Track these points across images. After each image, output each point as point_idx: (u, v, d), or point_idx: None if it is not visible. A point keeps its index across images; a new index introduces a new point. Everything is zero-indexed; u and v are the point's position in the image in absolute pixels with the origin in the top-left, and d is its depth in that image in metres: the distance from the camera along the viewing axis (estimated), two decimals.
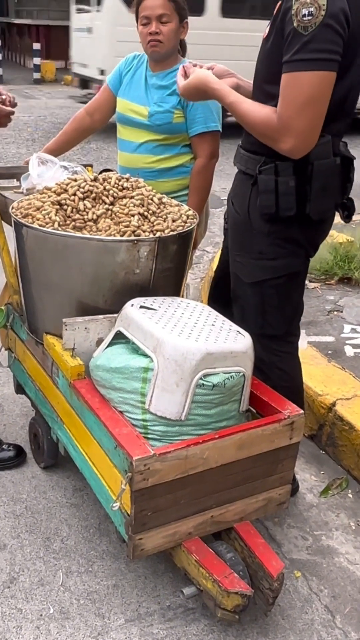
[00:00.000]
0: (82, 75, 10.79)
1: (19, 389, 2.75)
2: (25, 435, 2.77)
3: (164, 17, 2.58)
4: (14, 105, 2.49)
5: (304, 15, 1.78)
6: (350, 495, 2.59)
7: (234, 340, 1.94)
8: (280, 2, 1.91)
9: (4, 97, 2.44)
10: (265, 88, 2.02)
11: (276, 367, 2.28)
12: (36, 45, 17.11)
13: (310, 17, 1.77)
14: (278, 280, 2.18)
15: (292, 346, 2.36)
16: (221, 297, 2.46)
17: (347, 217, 2.16)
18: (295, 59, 1.82)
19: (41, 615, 2.00)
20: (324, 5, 1.77)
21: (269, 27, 1.98)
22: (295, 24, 1.80)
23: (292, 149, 1.92)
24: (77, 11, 10.72)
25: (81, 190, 2.20)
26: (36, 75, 16.85)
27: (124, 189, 2.26)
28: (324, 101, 1.87)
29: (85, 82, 10.79)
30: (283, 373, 2.31)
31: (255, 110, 1.97)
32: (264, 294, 2.20)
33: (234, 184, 2.28)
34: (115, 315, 2.08)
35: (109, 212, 2.19)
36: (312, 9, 1.77)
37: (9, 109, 2.46)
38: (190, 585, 1.93)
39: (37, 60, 16.89)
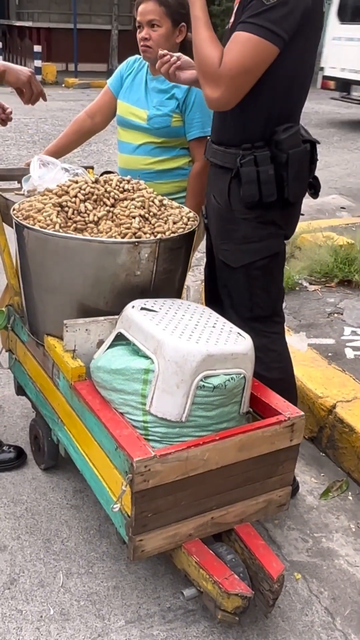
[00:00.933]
0: (343, 79, 12.07)
1: (20, 390, 2.76)
2: (25, 437, 2.77)
3: (154, 22, 2.61)
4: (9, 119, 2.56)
5: None
6: (350, 498, 2.60)
7: (235, 342, 1.95)
8: None
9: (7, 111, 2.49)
10: None
11: (268, 348, 2.35)
12: (37, 48, 17.14)
13: None
14: (263, 261, 2.28)
15: (279, 327, 2.46)
16: (213, 295, 2.51)
17: (314, 194, 2.31)
18: (251, 22, 1.95)
19: (41, 616, 2.00)
20: None
21: (232, 15, 2.10)
22: None
23: (216, 98, 2.03)
24: (341, 22, 12.05)
25: (82, 192, 2.21)
26: (37, 78, 16.85)
27: (125, 191, 2.27)
28: (259, 69, 1.99)
29: (345, 85, 12.12)
30: (276, 354, 2.40)
31: (208, 45, 2.04)
32: (250, 276, 2.30)
33: (209, 178, 2.36)
34: (116, 316, 2.08)
35: (110, 214, 2.19)
36: None
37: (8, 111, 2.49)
38: (190, 587, 1.93)
39: (38, 63, 16.91)
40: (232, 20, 2.11)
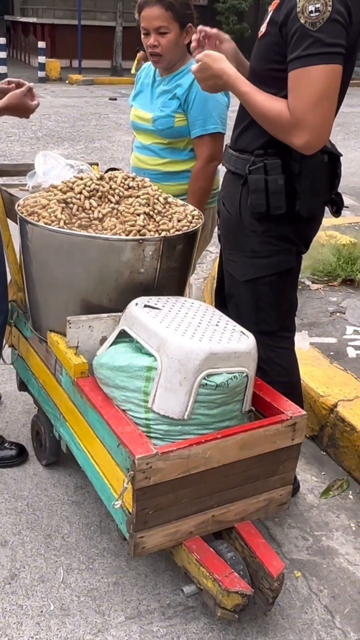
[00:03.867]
0: None
1: (22, 386, 2.76)
2: (27, 433, 2.78)
3: (162, 28, 2.55)
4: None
5: (311, 12, 1.81)
6: (350, 497, 2.60)
7: (238, 340, 1.95)
8: (277, 1, 1.94)
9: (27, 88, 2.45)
10: (259, 87, 2.01)
11: (274, 362, 2.30)
12: (41, 44, 17.13)
13: (317, 14, 1.80)
14: (271, 277, 2.20)
15: (288, 341, 2.38)
16: (221, 296, 2.48)
17: (336, 212, 2.20)
18: (306, 54, 1.84)
19: (41, 611, 2.01)
20: (329, 1, 1.80)
21: (265, 25, 1.99)
22: (302, 21, 1.82)
23: (305, 144, 1.92)
24: None
25: (87, 188, 2.21)
26: (41, 74, 16.87)
27: (129, 188, 2.27)
28: (335, 94, 1.89)
29: None
30: (282, 369, 2.34)
31: (269, 103, 1.96)
32: (258, 292, 2.23)
33: (223, 184, 2.30)
34: (120, 314, 2.09)
35: (115, 211, 2.19)
36: (318, 5, 1.80)
37: (36, 102, 2.46)
38: (190, 584, 1.93)
39: (42, 59, 16.92)
40: (262, 29, 2.00)
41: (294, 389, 2.38)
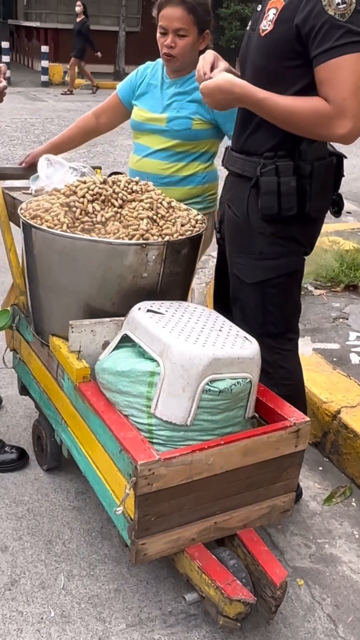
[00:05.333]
0: None
1: (23, 390, 2.75)
2: (28, 437, 2.76)
3: (181, 31, 2.53)
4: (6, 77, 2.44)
5: (338, 4, 1.85)
6: (353, 504, 2.58)
7: (241, 346, 1.94)
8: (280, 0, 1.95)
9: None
10: (261, 86, 1.98)
11: (279, 365, 2.30)
12: (44, 48, 17.17)
13: (345, 5, 1.85)
14: (279, 279, 2.21)
15: (292, 343, 2.39)
16: (221, 299, 2.48)
17: (336, 212, 2.22)
18: (339, 44, 1.86)
19: (42, 618, 1.99)
20: None
21: (269, 23, 1.99)
22: (331, 13, 1.85)
23: (349, 133, 1.91)
24: None
25: (90, 192, 2.20)
26: (44, 78, 16.90)
27: (133, 192, 2.26)
28: None
29: None
30: (286, 371, 2.34)
31: (299, 102, 1.94)
32: (265, 294, 2.24)
33: (227, 187, 2.30)
34: (122, 318, 2.07)
35: (118, 215, 2.18)
36: None
37: (3, 83, 2.39)
38: (192, 592, 1.92)
39: (45, 63, 16.94)
40: (268, 27, 1.99)
41: (298, 392, 2.39)
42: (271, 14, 1.99)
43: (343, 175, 2.16)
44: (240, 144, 2.18)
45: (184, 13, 2.51)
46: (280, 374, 2.29)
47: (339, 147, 2.12)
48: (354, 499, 2.61)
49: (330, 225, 5.72)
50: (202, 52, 2.62)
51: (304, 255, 2.27)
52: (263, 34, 2.02)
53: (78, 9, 15.47)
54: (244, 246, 2.22)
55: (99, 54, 15.76)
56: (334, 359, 3.27)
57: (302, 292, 4.08)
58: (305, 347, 3.34)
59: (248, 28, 2.19)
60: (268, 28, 2.00)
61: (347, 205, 6.58)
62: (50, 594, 2.08)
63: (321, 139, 2.00)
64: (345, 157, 2.15)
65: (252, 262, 2.21)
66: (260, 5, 2.11)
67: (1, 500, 2.45)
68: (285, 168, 2.03)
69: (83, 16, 15.47)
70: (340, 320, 3.77)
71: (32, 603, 2.04)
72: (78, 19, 15.50)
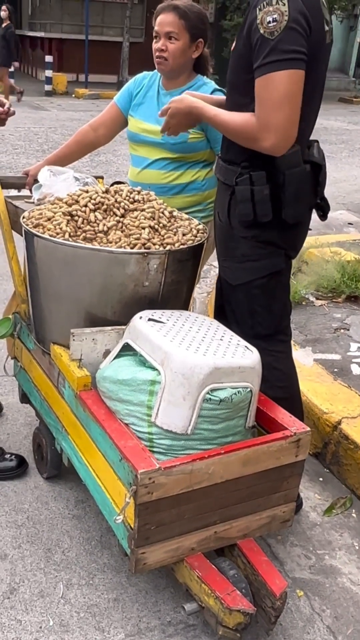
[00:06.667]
0: None
1: (24, 398, 2.75)
2: (28, 445, 2.76)
3: (172, 34, 2.58)
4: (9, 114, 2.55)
5: (269, 22, 1.92)
6: (354, 515, 2.57)
7: (242, 355, 1.94)
8: (245, 16, 2.06)
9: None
10: (235, 98, 2.15)
11: (272, 367, 2.31)
12: (48, 58, 17.27)
13: (275, 23, 1.92)
14: (262, 280, 2.27)
15: (285, 345, 2.44)
16: (221, 310, 2.50)
17: (322, 217, 2.28)
18: (266, 62, 1.95)
19: (40, 627, 1.98)
20: (285, 11, 1.91)
21: (236, 40, 2.12)
22: (262, 31, 1.94)
23: (273, 146, 2.02)
24: None
25: (93, 201, 2.21)
26: (48, 88, 16.99)
27: (135, 201, 2.27)
28: (297, 97, 1.98)
29: None
30: (280, 373, 2.37)
31: (235, 117, 2.09)
32: (251, 295, 2.30)
33: (216, 194, 2.38)
34: (124, 327, 2.08)
35: (120, 224, 2.19)
36: (275, 16, 1.91)
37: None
38: (191, 602, 1.91)
39: (49, 73, 17.04)
40: (234, 44, 2.12)
41: (293, 395, 2.43)
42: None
43: (321, 182, 2.21)
44: (224, 153, 2.26)
45: (175, 18, 2.58)
46: (275, 375, 2.31)
47: (332, 154, 2.16)
48: (354, 510, 2.60)
49: (331, 236, 5.74)
50: (196, 60, 2.67)
51: (287, 257, 2.32)
52: (232, 50, 2.14)
53: (3, 13, 14.21)
54: (228, 250, 2.30)
55: (16, 63, 14.82)
56: (335, 370, 3.27)
57: (304, 303, 4.10)
58: (306, 358, 3.34)
59: None
60: (235, 44, 2.12)
61: (349, 217, 6.60)
62: (49, 602, 2.07)
63: (256, 149, 2.06)
64: (321, 164, 2.19)
65: (236, 265, 2.28)
66: None
67: (1, 508, 2.45)
68: (259, 177, 2.10)
69: (8, 21, 14.26)
70: (342, 331, 3.77)
71: (31, 612, 2.03)
72: (3, 25, 14.18)
